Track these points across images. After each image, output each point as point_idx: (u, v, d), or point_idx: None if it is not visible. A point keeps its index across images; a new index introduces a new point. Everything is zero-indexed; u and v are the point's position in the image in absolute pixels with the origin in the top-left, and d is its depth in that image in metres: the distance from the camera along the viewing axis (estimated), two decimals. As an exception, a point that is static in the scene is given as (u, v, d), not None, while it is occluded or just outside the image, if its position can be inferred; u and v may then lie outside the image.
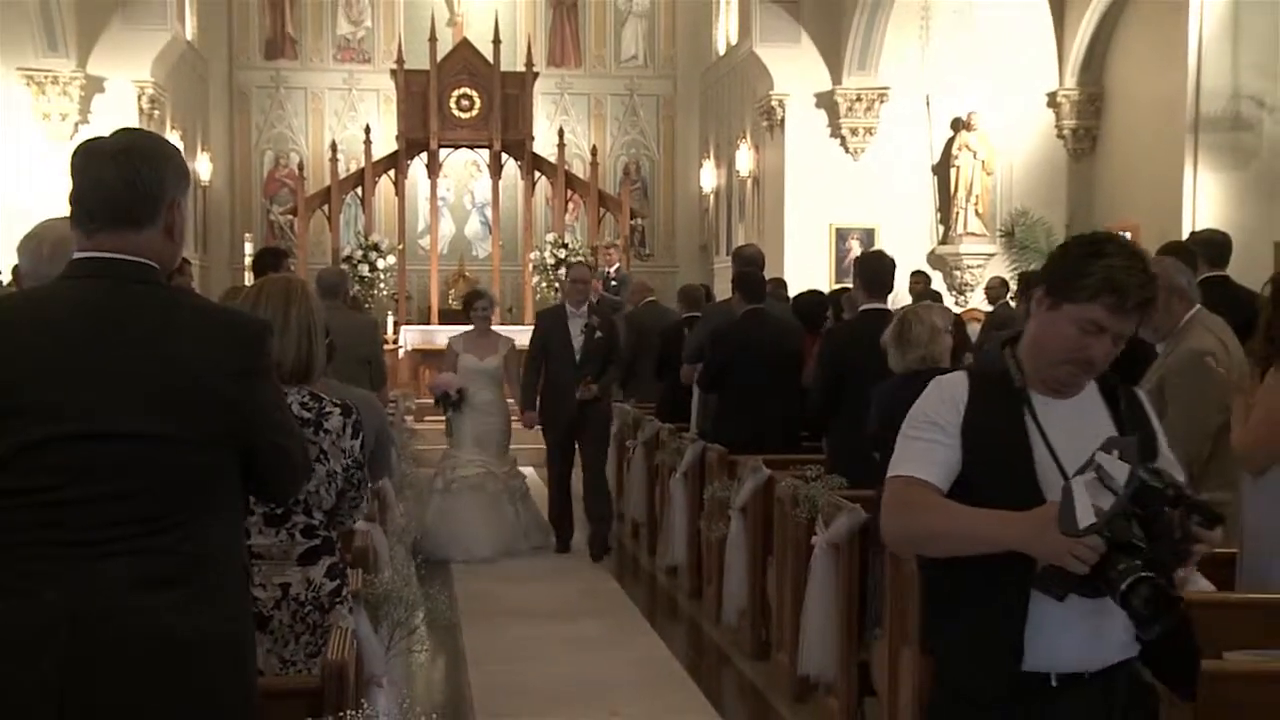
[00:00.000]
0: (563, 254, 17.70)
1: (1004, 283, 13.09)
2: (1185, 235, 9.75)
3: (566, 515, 9.87)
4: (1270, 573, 4.18)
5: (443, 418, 10.15)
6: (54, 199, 14.97)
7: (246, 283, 10.13)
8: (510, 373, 9.89)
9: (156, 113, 16.31)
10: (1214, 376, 4.81)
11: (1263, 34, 13.59)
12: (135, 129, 2.77)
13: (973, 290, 15.64)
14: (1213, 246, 6.94)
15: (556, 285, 17.67)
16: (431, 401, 10.37)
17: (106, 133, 2.64)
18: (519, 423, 9.99)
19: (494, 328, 10.13)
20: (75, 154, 2.60)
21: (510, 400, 10.11)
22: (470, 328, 9.91)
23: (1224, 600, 4.09)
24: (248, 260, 16.19)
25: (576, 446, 9.80)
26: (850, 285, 9.81)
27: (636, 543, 10.14)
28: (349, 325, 8.27)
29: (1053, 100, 16.45)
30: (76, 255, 2.57)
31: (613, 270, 15.22)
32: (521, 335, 11.17)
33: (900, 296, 11.07)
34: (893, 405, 5.09)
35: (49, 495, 2.43)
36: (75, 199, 2.57)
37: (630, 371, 10.56)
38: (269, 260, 9.12)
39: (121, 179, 2.53)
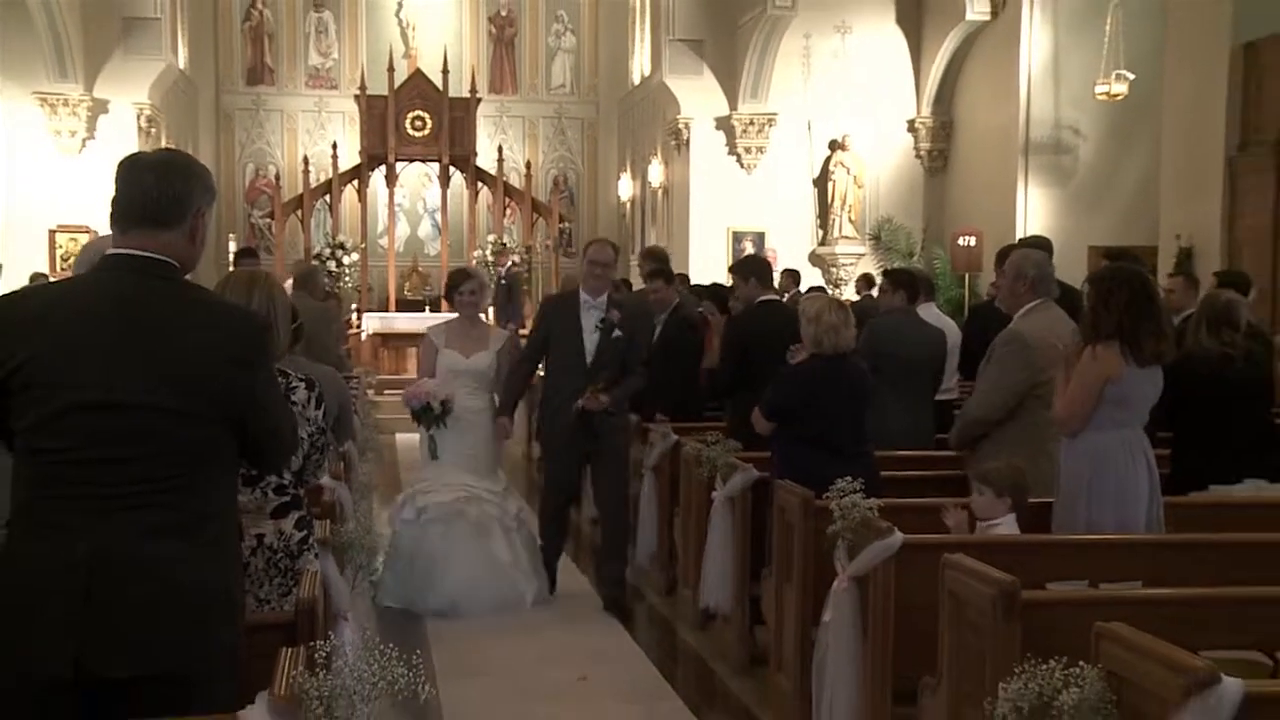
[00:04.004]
0: (501, 250, 17.66)
1: (869, 279, 13.19)
2: (1017, 240, 9.91)
3: (556, 557, 6.78)
4: (1078, 518, 4.27)
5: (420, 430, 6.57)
6: (65, 207, 14.88)
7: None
8: (503, 374, 6.58)
9: (153, 131, 15.99)
10: (1025, 358, 4.87)
11: (1078, 75, 13.88)
12: (174, 149, 2.75)
13: (847, 284, 15.79)
14: (1039, 250, 7.03)
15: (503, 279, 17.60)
16: (402, 398, 6.65)
17: (111, 147, 2.63)
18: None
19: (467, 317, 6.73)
20: (122, 164, 2.60)
21: None
22: (453, 316, 6.79)
23: (1044, 541, 4.17)
24: (231, 256, 15.99)
25: (589, 474, 6.77)
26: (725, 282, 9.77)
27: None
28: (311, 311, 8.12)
29: (912, 126, 16.64)
30: (110, 251, 2.56)
31: (504, 271, 15.23)
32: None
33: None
34: (815, 383, 5.10)
35: (77, 454, 2.40)
36: (115, 201, 2.57)
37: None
38: (244, 257, 9.09)
39: (157, 186, 2.53)
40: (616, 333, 6.35)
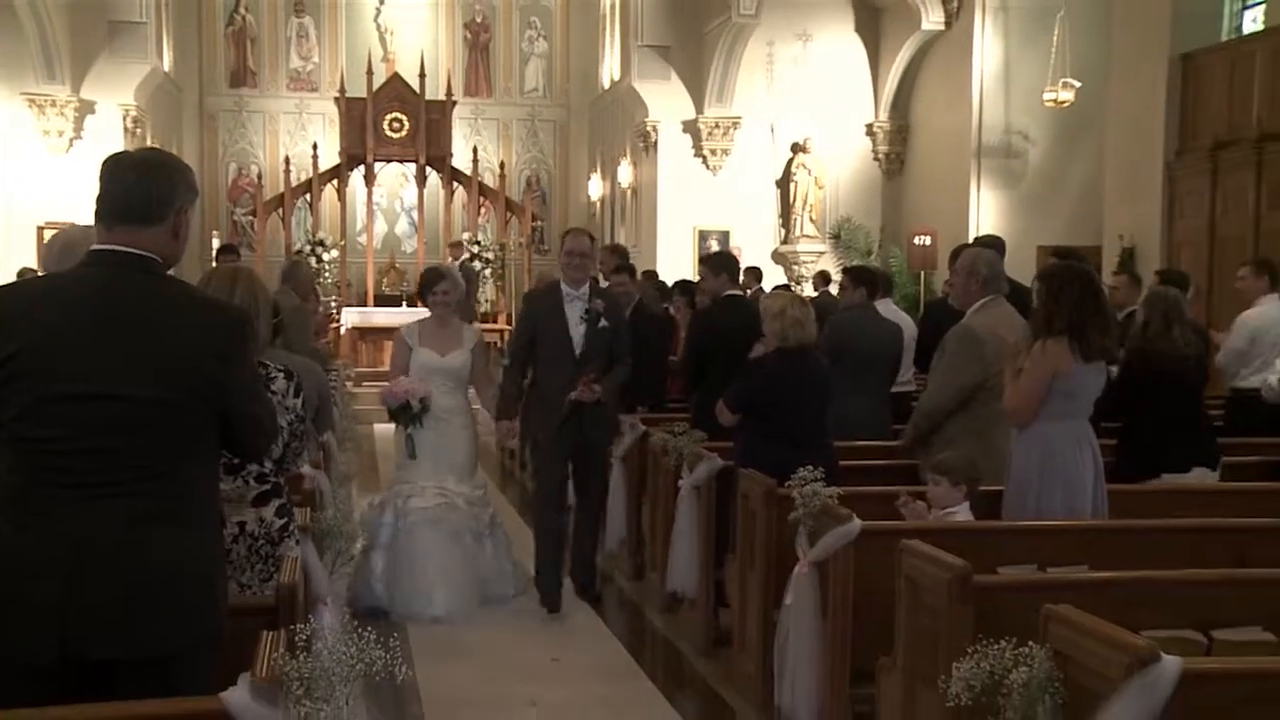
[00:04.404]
0: (476, 249, 17.59)
1: (826, 277, 13.22)
2: (971, 239, 9.96)
3: (558, 566, 6.22)
4: (1028, 504, 4.29)
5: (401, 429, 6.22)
6: (54, 204, 14.71)
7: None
8: (479, 371, 6.31)
9: (139, 131, 15.85)
10: (977, 352, 4.88)
11: (1028, 83, 13.98)
12: (157, 149, 2.70)
13: (807, 281, 15.85)
14: (991, 249, 7.05)
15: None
16: (383, 399, 6.23)
17: (97, 147, 2.59)
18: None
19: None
20: (105, 163, 2.56)
21: (478, 406, 6.51)
22: (425, 315, 6.35)
23: (995, 527, 4.20)
24: (213, 252, 15.87)
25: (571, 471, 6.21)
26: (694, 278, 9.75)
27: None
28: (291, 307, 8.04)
29: (870, 130, 16.71)
30: (94, 247, 2.52)
31: (456, 265, 15.22)
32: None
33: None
34: (781, 378, 5.08)
35: (63, 444, 2.38)
36: (100, 199, 2.53)
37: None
38: (226, 253, 9.04)
39: (140, 184, 2.50)
40: (603, 323, 5.97)
